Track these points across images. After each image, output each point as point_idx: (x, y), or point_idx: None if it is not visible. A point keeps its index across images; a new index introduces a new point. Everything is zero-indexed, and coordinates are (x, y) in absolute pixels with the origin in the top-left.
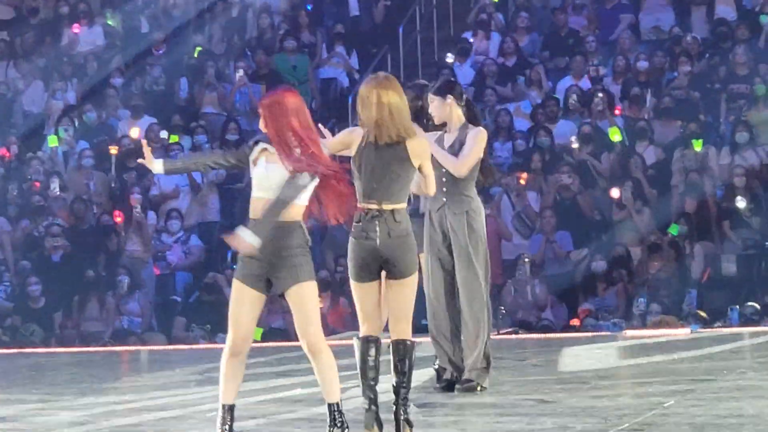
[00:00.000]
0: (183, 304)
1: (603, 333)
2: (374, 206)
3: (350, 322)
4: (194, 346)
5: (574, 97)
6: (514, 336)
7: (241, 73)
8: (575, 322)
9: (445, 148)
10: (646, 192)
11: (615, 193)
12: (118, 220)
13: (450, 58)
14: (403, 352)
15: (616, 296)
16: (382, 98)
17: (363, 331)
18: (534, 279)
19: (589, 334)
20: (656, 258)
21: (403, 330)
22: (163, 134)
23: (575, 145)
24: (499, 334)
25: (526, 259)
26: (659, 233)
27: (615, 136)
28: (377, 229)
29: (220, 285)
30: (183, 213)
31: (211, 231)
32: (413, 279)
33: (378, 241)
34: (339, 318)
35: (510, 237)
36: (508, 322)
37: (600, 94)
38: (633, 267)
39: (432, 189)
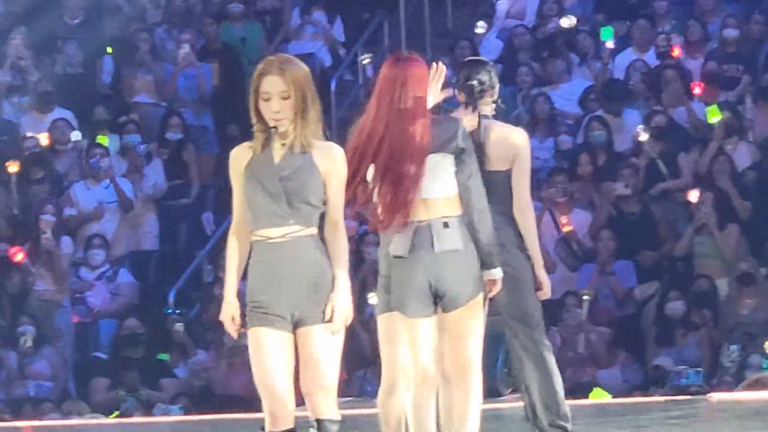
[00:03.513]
0: (110, 362)
1: (681, 397)
2: None
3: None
4: (124, 420)
5: (639, 76)
6: None
7: (186, 48)
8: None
9: None
10: (736, 205)
11: (693, 196)
12: (19, 257)
13: (481, 27)
14: None
15: (698, 346)
16: None
17: None
18: (589, 324)
19: (662, 398)
20: (750, 293)
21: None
22: (75, 135)
23: (643, 137)
24: None
25: (585, 297)
26: (753, 261)
27: (714, 116)
28: None
29: (146, 335)
30: (109, 240)
31: (148, 263)
32: None
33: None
34: None
35: (553, 269)
36: None
37: (672, 73)
38: (719, 306)
39: None
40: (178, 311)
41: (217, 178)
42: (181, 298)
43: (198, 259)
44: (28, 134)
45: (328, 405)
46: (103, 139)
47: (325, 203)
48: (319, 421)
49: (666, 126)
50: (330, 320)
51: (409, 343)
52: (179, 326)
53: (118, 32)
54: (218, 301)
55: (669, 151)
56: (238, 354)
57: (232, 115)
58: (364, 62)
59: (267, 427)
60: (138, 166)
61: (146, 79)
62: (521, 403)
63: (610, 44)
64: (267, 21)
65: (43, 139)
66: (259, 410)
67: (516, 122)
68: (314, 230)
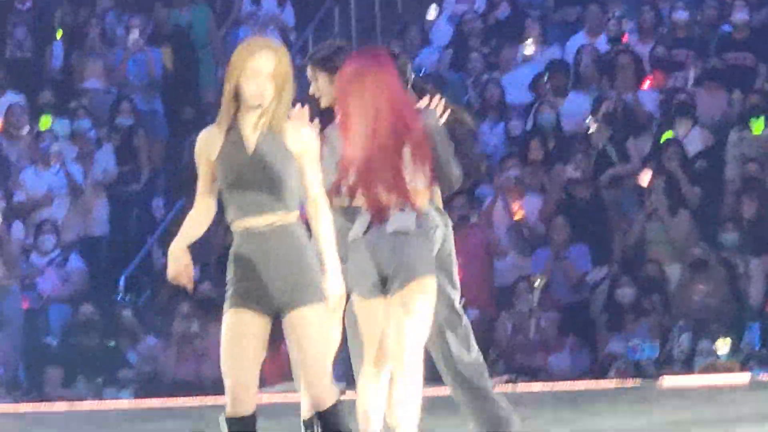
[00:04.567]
0: (60, 348)
1: (631, 382)
2: None
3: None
4: (77, 405)
5: (589, 61)
6: (510, 387)
7: (135, 33)
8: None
9: None
10: (685, 191)
11: (644, 178)
12: None
13: (432, 12)
14: None
15: (648, 331)
16: None
17: None
18: (540, 310)
19: (613, 382)
20: (701, 279)
21: None
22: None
23: (592, 128)
24: None
25: (537, 283)
26: (706, 247)
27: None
28: None
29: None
30: (59, 225)
31: (97, 249)
32: None
33: None
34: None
35: (504, 254)
36: (503, 368)
37: (624, 58)
38: (670, 292)
39: None
40: (127, 297)
41: (167, 164)
42: (131, 284)
43: (148, 244)
44: None
45: (324, 388)
46: (45, 122)
47: (302, 184)
48: (320, 414)
49: (616, 111)
50: (322, 302)
51: (362, 324)
52: (128, 312)
53: (68, 17)
54: (169, 287)
55: (619, 136)
56: (187, 340)
57: (183, 99)
58: None
59: (227, 409)
60: (88, 152)
61: (96, 64)
62: None
63: None
64: (217, 5)
65: None
66: (208, 394)
67: (466, 108)
68: (297, 214)
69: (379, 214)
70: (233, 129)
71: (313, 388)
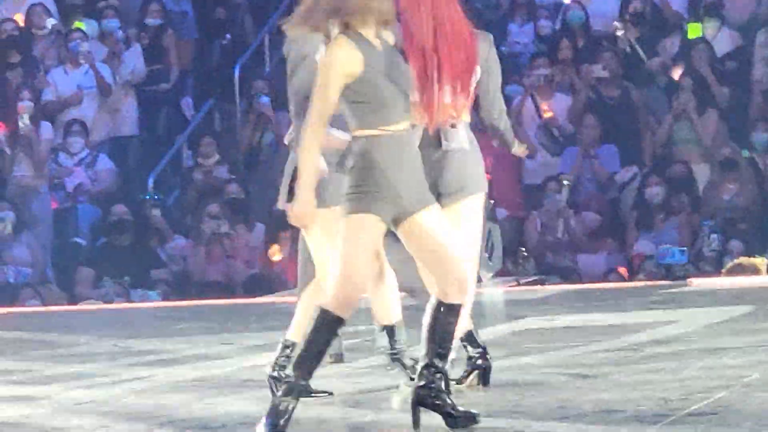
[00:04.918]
0: (89, 248)
1: (661, 282)
2: None
3: None
4: (105, 306)
5: None
6: (539, 287)
7: None
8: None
9: None
10: (714, 91)
11: (677, 73)
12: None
13: None
14: None
15: (677, 231)
16: None
17: None
18: (569, 210)
19: (641, 283)
20: (730, 179)
21: None
22: (51, 22)
23: (620, 32)
24: (519, 284)
25: (566, 182)
26: (735, 146)
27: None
28: None
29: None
30: (88, 125)
31: (127, 149)
32: None
33: None
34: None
35: (534, 153)
36: (532, 268)
37: None
38: (698, 191)
39: None
40: (156, 197)
41: (196, 63)
42: (160, 184)
43: (177, 144)
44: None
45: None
46: (80, 25)
47: None
48: (448, 307)
49: (644, 11)
50: None
51: None
52: (156, 212)
53: None
54: (197, 185)
55: (647, 36)
56: (216, 241)
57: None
58: None
59: (330, 304)
60: (117, 52)
61: None
62: (501, 289)
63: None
64: None
65: (19, 17)
66: (236, 295)
67: (495, 9)
68: None
69: (435, 129)
70: (364, 40)
71: (466, 272)
